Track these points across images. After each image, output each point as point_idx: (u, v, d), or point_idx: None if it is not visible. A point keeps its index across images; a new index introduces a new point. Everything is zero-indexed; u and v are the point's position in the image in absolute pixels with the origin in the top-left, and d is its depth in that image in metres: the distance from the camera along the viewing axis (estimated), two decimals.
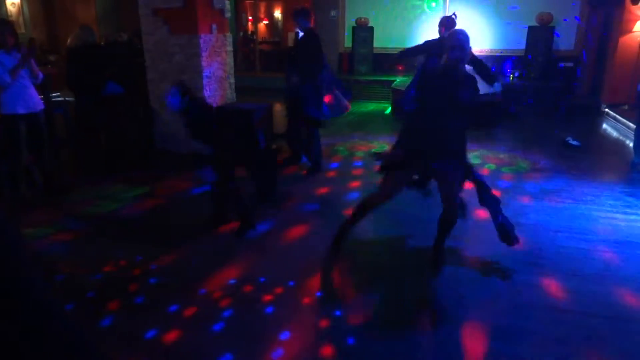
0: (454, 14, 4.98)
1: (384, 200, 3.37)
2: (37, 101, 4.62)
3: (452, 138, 3.12)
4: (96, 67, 5.60)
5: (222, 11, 6.22)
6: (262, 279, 3.25)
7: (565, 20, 10.32)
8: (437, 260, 3.42)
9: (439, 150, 3.13)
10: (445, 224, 3.34)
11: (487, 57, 10.99)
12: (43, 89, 5.34)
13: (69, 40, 5.81)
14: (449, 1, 8.72)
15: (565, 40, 10.70)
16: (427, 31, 11.50)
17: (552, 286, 3.17)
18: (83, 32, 5.67)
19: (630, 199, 4.71)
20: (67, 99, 6.73)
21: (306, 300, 3.03)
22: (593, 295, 3.06)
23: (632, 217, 4.29)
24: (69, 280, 3.28)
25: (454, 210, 3.28)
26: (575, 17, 10.30)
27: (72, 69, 5.70)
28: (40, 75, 4.61)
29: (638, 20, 8.53)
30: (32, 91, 4.57)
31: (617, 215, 4.32)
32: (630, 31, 8.68)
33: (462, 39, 3.02)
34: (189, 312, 2.90)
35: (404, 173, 3.33)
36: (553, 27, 10.29)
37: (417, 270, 3.40)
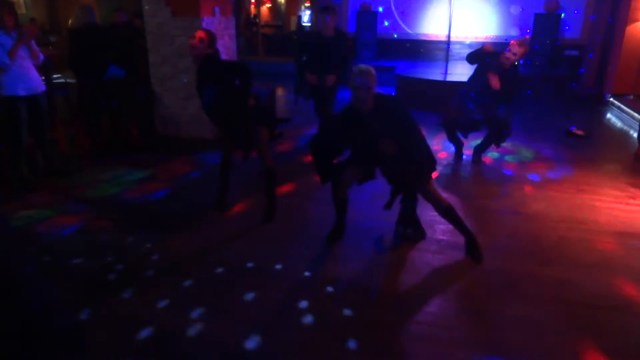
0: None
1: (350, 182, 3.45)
2: (38, 83, 4.57)
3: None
4: (97, 49, 5.55)
5: None
6: (263, 264, 3.26)
7: (576, 11, 10.22)
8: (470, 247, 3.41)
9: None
10: (444, 216, 3.36)
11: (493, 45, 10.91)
12: (44, 70, 5.30)
13: (70, 21, 5.75)
14: None
15: (572, 28, 10.59)
16: (434, 15, 11.41)
17: (554, 277, 3.17)
18: (83, 12, 5.60)
19: (633, 189, 4.69)
20: (68, 80, 6.69)
21: (305, 289, 3.04)
22: (594, 286, 3.06)
23: (635, 208, 4.28)
24: (70, 264, 3.29)
25: (433, 203, 3.31)
26: (576, 10, 10.20)
27: (74, 50, 5.65)
28: (41, 57, 4.57)
29: None
30: (33, 73, 4.52)
31: (620, 206, 4.31)
32: (636, 20, 8.58)
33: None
34: (190, 295, 2.91)
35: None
36: (559, 15, 10.17)
37: (417, 261, 3.41)
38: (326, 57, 5.30)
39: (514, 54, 4.79)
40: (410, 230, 3.57)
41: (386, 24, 11.67)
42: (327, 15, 5.28)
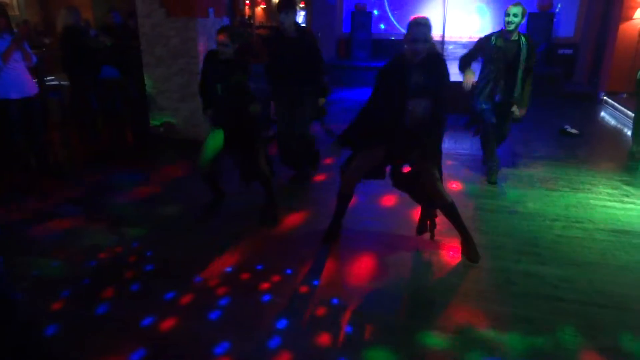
0: None
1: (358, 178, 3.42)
2: (30, 85, 4.55)
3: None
4: (85, 51, 5.51)
5: None
6: (259, 267, 3.24)
7: (559, 5, 10.24)
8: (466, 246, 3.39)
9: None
10: (446, 212, 3.34)
11: None
12: (37, 72, 5.28)
13: (58, 24, 5.71)
14: None
15: (565, 27, 10.64)
16: (429, 15, 11.43)
17: (550, 275, 3.17)
18: (66, 13, 5.56)
19: (627, 187, 4.71)
20: (62, 82, 6.65)
21: (303, 288, 3.03)
22: (589, 284, 3.07)
23: (629, 205, 4.29)
24: (64, 267, 3.26)
25: (437, 196, 3.27)
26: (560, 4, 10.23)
27: (64, 52, 5.61)
28: (34, 59, 4.54)
29: (638, 7, 8.45)
30: (26, 75, 4.49)
31: (615, 204, 4.32)
32: (630, 18, 8.61)
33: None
34: (186, 299, 2.89)
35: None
36: (553, 14, 10.21)
37: (413, 260, 3.40)
38: (289, 62, 4.39)
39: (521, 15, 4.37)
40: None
41: (382, 27, 11.68)
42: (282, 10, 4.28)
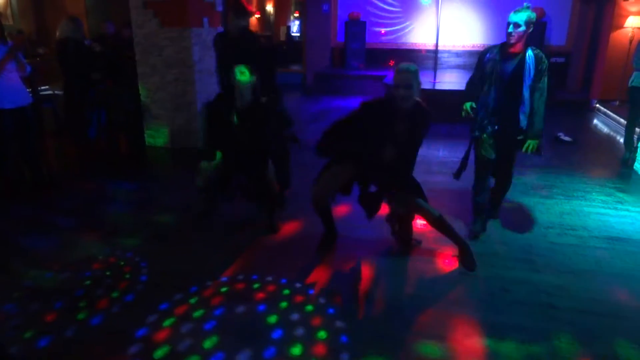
0: None
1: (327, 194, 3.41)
2: (24, 95, 4.53)
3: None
4: (84, 63, 5.51)
5: (213, 4, 6.15)
6: (254, 277, 3.23)
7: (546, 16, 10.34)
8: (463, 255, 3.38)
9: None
10: (436, 226, 3.37)
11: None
12: (31, 82, 5.26)
13: (57, 33, 5.70)
14: None
15: (557, 35, 10.74)
16: (422, 25, 11.51)
17: (544, 283, 3.17)
18: (69, 25, 5.56)
19: (621, 194, 4.74)
20: (56, 92, 6.64)
21: (299, 298, 3.01)
22: (584, 292, 3.07)
23: (623, 212, 4.31)
24: (57, 278, 3.24)
25: (422, 213, 3.33)
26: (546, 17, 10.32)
27: (60, 62, 5.60)
28: (28, 69, 4.53)
29: (629, 15, 8.55)
30: (19, 85, 4.48)
31: (609, 211, 4.34)
32: (621, 27, 8.71)
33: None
34: (180, 310, 2.87)
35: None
36: (545, 22, 10.31)
37: (408, 269, 3.40)
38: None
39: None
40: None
41: (383, 30, 11.72)
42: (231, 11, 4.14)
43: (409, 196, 3.30)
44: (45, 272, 3.29)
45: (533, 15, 3.45)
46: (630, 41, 8.51)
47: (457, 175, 3.82)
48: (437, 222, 3.31)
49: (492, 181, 3.93)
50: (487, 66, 3.60)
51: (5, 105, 4.33)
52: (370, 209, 3.46)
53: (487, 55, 3.64)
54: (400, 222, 3.56)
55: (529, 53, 3.49)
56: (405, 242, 3.61)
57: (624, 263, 3.45)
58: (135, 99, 6.18)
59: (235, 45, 4.14)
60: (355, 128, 3.29)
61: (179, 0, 5.70)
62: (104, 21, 7.33)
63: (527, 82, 3.49)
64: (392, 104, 3.18)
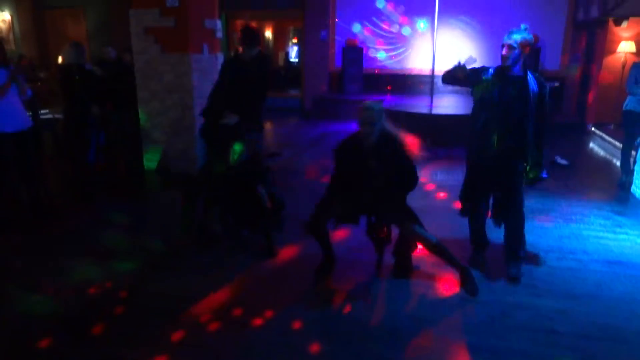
0: None
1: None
2: (25, 119, 4.55)
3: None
4: (89, 88, 5.55)
5: (213, 31, 6.24)
6: (251, 302, 3.20)
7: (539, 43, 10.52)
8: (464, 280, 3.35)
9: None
10: (434, 252, 3.36)
11: None
12: (32, 106, 5.29)
13: (60, 58, 5.74)
14: (437, 22, 8.85)
15: (552, 60, 10.90)
16: (418, 51, 11.69)
17: (544, 307, 3.15)
18: (73, 50, 5.61)
19: (619, 217, 4.74)
20: (55, 116, 6.67)
21: (296, 324, 2.98)
22: (585, 316, 3.05)
23: (622, 236, 4.31)
24: (52, 302, 3.20)
25: (420, 240, 3.34)
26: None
27: (62, 87, 5.62)
28: (29, 93, 4.56)
29: (621, 41, 8.70)
30: (20, 109, 4.50)
31: (607, 235, 4.34)
32: (614, 52, 8.85)
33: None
34: (176, 336, 2.84)
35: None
36: (539, 48, 10.48)
37: (410, 293, 3.38)
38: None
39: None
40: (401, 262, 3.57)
41: (382, 55, 11.87)
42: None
43: (405, 223, 3.31)
44: (40, 296, 3.25)
45: (530, 37, 3.31)
46: (623, 66, 8.64)
47: (464, 212, 3.76)
48: (435, 248, 3.31)
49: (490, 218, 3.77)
50: (484, 86, 3.35)
51: (6, 129, 4.35)
52: (377, 241, 3.48)
53: (485, 74, 3.40)
54: (401, 248, 3.54)
55: (530, 77, 3.32)
56: (405, 268, 3.59)
57: (624, 286, 3.43)
58: (135, 124, 6.21)
59: (248, 69, 4.24)
60: (339, 179, 3.40)
61: (179, 27, 5.79)
62: (105, 46, 7.41)
63: (529, 107, 3.28)
64: (358, 141, 3.28)
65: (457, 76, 3.51)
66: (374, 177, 3.24)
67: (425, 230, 3.32)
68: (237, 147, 3.91)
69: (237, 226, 4.07)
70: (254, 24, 13.08)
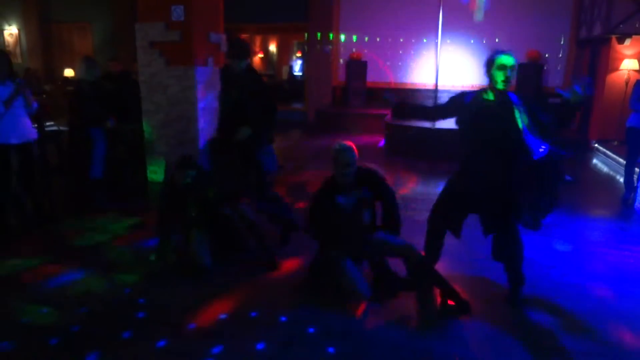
0: None
1: None
2: (30, 131, 4.60)
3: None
4: (102, 103, 5.61)
5: (218, 45, 6.31)
6: (253, 314, 3.19)
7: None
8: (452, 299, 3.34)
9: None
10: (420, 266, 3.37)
11: None
12: (37, 118, 5.33)
13: (66, 71, 5.81)
14: (441, 37, 8.93)
15: (555, 77, 10.95)
16: (421, 65, 11.76)
17: (546, 323, 3.12)
18: (82, 65, 5.66)
19: (623, 234, 4.72)
20: (61, 128, 6.72)
21: (296, 336, 2.96)
22: (588, 333, 3.03)
23: (625, 252, 4.29)
24: (54, 314, 3.19)
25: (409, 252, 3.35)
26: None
27: (84, 104, 5.64)
28: (35, 105, 4.61)
29: (624, 58, 8.74)
30: (26, 121, 4.55)
31: (611, 251, 4.31)
32: (617, 69, 8.89)
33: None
34: (178, 347, 2.82)
35: None
36: (542, 65, 10.54)
37: (409, 310, 3.36)
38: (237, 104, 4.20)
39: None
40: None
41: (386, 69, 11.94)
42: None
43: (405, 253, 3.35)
44: (42, 308, 3.25)
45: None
46: (627, 83, 8.67)
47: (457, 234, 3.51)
48: (417, 266, 3.33)
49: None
50: (473, 109, 3.15)
51: (11, 141, 4.39)
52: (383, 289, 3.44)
53: (469, 98, 3.21)
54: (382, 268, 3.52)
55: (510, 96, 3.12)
56: (392, 287, 3.50)
57: (627, 303, 3.40)
58: (139, 136, 6.25)
59: (239, 83, 4.22)
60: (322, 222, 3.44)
61: (185, 40, 5.85)
62: (111, 60, 7.49)
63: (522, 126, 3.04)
64: (333, 188, 3.32)
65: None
66: (356, 213, 3.32)
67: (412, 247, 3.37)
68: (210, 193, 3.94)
69: (224, 250, 4.05)
70: (244, 36, 13.26)
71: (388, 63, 12.00)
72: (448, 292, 3.32)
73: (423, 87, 11.77)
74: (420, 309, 3.34)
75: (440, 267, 3.51)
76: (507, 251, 3.28)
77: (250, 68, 4.36)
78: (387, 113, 9.97)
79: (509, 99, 3.11)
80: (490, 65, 3.12)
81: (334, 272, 3.27)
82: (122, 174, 6.06)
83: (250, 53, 4.36)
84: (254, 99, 4.17)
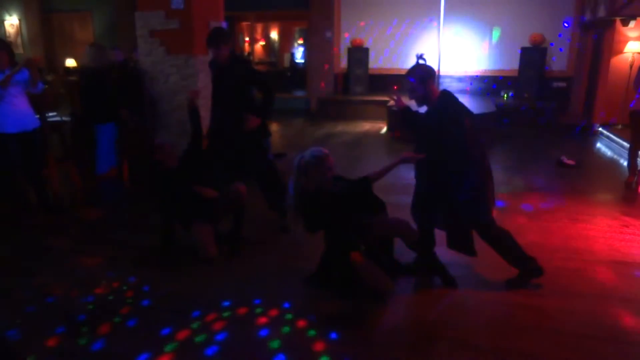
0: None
1: None
2: (30, 120, 4.58)
3: None
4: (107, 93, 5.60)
5: None
6: (257, 301, 3.21)
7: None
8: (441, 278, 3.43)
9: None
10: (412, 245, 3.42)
11: (483, 78, 11.17)
12: (39, 108, 5.33)
13: (81, 62, 5.77)
14: (443, 22, 8.84)
15: (559, 60, 10.85)
16: (424, 50, 11.66)
17: (550, 308, 3.14)
18: (89, 52, 5.63)
19: (626, 218, 4.71)
20: (63, 118, 6.72)
21: (301, 323, 2.99)
22: (591, 317, 3.04)
23: (629, 236, 4.28)
24: (60, 302, 3.23)
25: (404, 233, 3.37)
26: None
27: (80, 89, 5.63)
28: (40, 85, 4.55)
29: (628, 41, 8.65)
30: (26, 109, 4.53)
31: (614, 235, 4.31)
32: (621, 52, 8.80)
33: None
34: (182, 335, 2.85)
35: None
36: (545, 48, 10.44)
37: (411, 294, 3.38)
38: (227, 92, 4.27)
39: None
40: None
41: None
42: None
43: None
44: (47, 297, 3.28)
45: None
46: (631, 66, 8.58)
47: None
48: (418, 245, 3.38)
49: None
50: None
51: (8, 129, 4.38)
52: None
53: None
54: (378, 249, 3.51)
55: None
56: (392, 271, 3.46)
57: (630, 287, 3.41)
58: (141, 125, 6.24)
59: (229, 73, 4.23)
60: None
61: (185, 29, 5.82)
62: (112, 49, 7.46)
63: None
64: (325, 190, 3.24)
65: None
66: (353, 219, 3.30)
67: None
68: None
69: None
70: (245, 23, 13.17)
71: (390, 49, 11.90)
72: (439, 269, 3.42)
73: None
74: (425, 292, 3.36)
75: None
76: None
77: (234, 56, 4.33)
78: (388, 100, 9.92)
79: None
80: None
81: (348, 269, 3.19)
82: (124, 164, 6.07)
83: (226, 39, 4.15)
84: (246, 85, 4.20)
